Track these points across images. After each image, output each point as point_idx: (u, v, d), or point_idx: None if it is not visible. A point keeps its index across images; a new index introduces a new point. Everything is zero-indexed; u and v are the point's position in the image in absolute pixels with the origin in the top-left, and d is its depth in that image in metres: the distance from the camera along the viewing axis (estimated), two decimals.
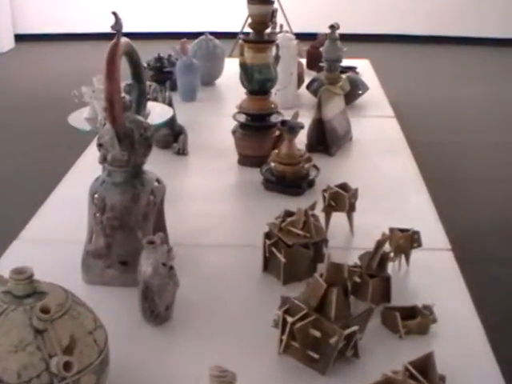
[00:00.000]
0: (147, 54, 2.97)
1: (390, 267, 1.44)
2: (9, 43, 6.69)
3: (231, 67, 2.97)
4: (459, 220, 3.05)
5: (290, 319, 1.18)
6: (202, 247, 1.62)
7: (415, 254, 1.50)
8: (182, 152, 2.19)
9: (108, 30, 1.30)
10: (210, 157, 2.19)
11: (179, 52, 2.80)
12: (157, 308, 1.29)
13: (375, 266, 1.36)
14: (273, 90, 2.12)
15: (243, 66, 2.01)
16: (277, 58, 2.11)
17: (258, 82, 2.03)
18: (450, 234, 1.68)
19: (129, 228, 1.39)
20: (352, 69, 3.09)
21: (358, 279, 1.34)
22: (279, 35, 2.58)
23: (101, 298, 1.38)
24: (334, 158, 2.17)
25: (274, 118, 2.09)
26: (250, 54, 2.02)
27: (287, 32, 2.64)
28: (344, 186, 1.66)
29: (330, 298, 1.17)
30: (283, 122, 1.90)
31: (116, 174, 1.40)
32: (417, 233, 1.50)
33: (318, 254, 1.46)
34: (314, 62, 3.13)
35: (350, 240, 1.64)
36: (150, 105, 1.85)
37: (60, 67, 5.90)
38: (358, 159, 2.22)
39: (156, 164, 2.21)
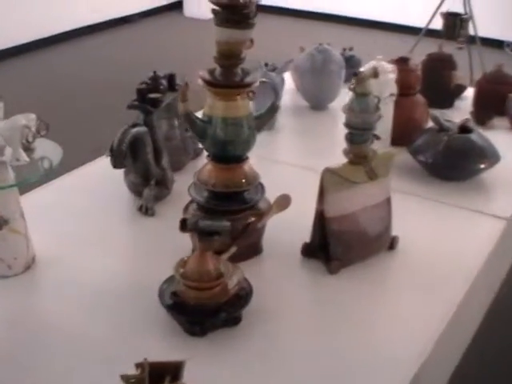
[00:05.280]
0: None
1: None
2: None
3: None
4: None
5: None
6: None
7: None
8: (145, 211, 1.59)
9: None
10: None
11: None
12: None
13: None
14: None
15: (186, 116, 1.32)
16: (272, 109, 1.39)
17: (217, 145, 1.34)
18: None
19: None
20: None
21: None
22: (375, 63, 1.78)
23: None
24: (332, 279, 1.37)
25: (248, 199, 1.39)
26: (210, 100, 1.32)
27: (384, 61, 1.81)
28: None
29: None
30: (184, 221, 1.19)
31: None
32: None
33: None
34: (485, 105, 2.16)
35: None
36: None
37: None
38: (374, 291, 1.37)
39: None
